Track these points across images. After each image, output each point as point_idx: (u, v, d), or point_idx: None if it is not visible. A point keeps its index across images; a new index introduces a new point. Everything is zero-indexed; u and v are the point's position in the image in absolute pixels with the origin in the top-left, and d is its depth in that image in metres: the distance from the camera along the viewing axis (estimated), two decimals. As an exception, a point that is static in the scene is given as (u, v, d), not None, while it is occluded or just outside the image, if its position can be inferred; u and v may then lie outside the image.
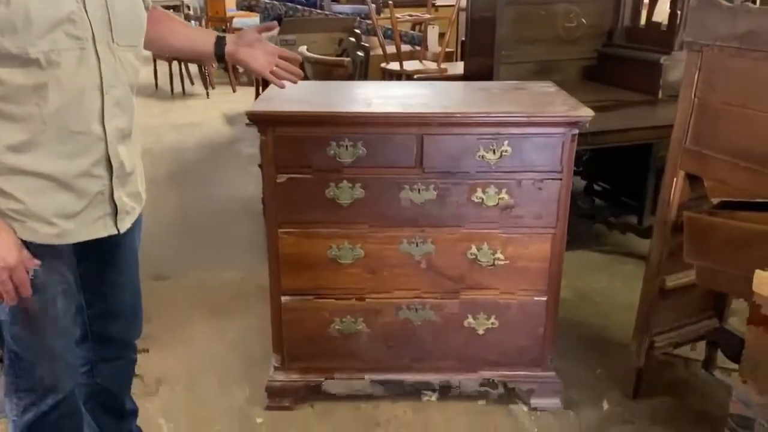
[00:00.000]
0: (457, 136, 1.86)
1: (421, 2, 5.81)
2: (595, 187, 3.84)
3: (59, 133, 1.22)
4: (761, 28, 1.62)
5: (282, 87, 1.70)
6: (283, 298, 2.03)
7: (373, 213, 1.93)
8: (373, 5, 5.17)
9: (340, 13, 6.32)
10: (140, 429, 1.83)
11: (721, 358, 2.31)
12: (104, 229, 1.36)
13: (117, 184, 1.35)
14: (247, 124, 5.55)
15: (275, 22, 1.84)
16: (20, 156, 1.21)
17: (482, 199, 1.90)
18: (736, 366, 2.21)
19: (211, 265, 3.18)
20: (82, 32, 1.20)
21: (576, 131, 1.85)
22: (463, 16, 4.33)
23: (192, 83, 7.34)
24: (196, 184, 4.35)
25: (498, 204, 1.90)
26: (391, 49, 4.69)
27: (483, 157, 1.86)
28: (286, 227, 1.95)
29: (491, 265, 1.97)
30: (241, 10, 6.54)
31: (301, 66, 3.33)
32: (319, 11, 6.30)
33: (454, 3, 4.90)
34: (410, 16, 5.74)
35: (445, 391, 2.20)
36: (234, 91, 7.18)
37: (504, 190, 1.90)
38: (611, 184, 3.78)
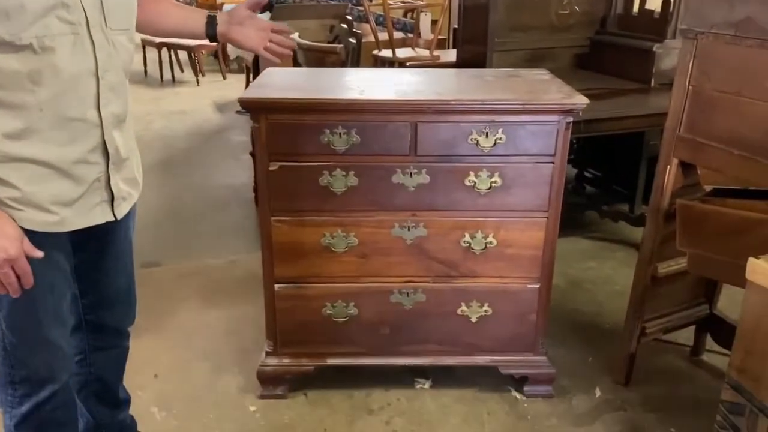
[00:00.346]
0: (452, 124, 1.85)
1: (413, -11, 5.78)
2: (587, 174, 3.85)
3: (55, 119, 1.21)
4: (757, 15, 1.62)
5: (278, 62, 1.67)
6: (277, 286, 2.02)
7: (367, 200, 1.93)
8: (365, -9, 5.13)
9: (332, 0, 6.27)
10: (133, 418, 1.82)
11: (709, 343, 2.34)
12: (102, 216, 1.35)
13: (113, 170, 1.34)
14: (237, 112, 5.53)
15: None
16: (17, 143, 1.19)
17: (474, 183, 1.90)
18: (724, 351, 2.23)
19: (202, 253, 3.17)
20: (75, 17, 1.19)
21: (571, 119, 1.85)
22: (455, 2, 4.30)
23: (182, 70, 7.28)
24: (187, 171, 4.33)
25: (491, 188, 1.90)
26: (383, 36, 4.67)
27: (477, 143, 1.86)
28: (279, 215, 1.94)
29: (483, 250, 1.97)
30: (232, -5, 6.49)
31: (293, 53, 3.31)
32: (310, -3, 6.26)
33: (446, -10, 4.88)
34: (402, 2, 5.72)
35: (439, 379, 2.21)
36: (224, 78, 7.13)
37: (497, 174, 1.89)
38: (603, 172, 3.79)
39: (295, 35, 3.37)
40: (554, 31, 3.31)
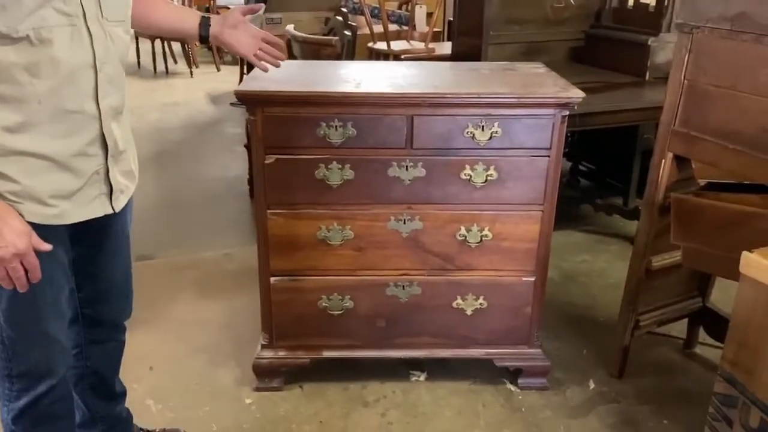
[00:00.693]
0: (448, 117, 1.85)
1: (408, -19, 5.76)
2: (581, 167, 3.86)
3: (54, 112, 1.21)
4: (752, 10, 1.63)
5: (265, 70, 1.70)
6: (272, 280, 2.02)
7: (363, 193, 1.93)
8: (360, -16, 5.11)
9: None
10: (129, 410, 1.83)
11: (702, 336, 2.35)
12: (101, 209, 1.35)
13: (112, 162, 1.34)
14: (231, 104, 5.50)
15: (261, 4, 1.82)
16: (16, 137, 1.19)
17: (470, 176, 1.90)
18: (717, 344, 2.25)
19: (196, 245, 3.16)
20: (71, 8, 1.19)
21: (566, 112, 1.86)
22: (450, -5, 4.29)
23: (175, 62, 7.23)
24: (180, 164, 4.31)
25: (486, 181, 1.91)
26: (378, 28, 4.65)
27: (473, 136, 1.86)
28: (274, 208, 1.94)
29: (479, 243, 1.97)
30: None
31: (289, 45, 3.30)
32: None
33: (441, -18, 4.86)
34: (397, -5, 5.70)
35: (434, 372, 2.22)
36: (218, 70, 7.09)
37: (492, 167, 1.90)
38: (597, 166, 3.81)
39: (290, 27, 3.36)
40: (549, 25, 3.32)
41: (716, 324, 2.25)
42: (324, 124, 1.84)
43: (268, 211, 1.94)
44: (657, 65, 3.03)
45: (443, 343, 2.13)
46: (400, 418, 2.05)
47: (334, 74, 2.18)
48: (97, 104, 1.27)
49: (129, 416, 1.82)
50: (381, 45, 4.54)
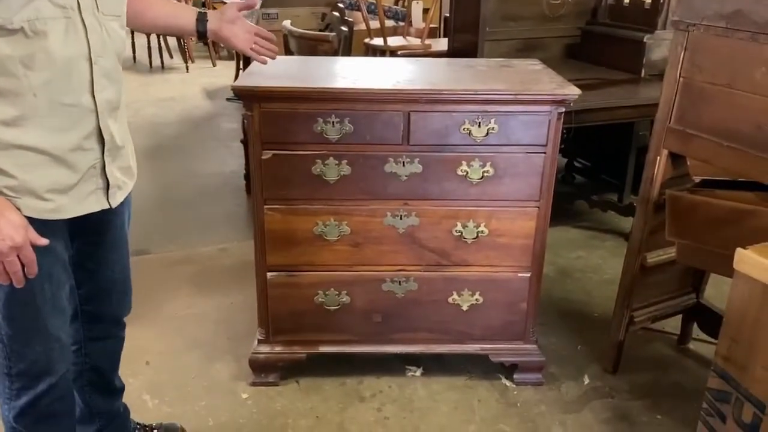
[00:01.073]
0: (445, 114, 1.86)
1: (404, -23, 5.75)
2: (576, 164, 3.87)
3: (50, 105, 1.21)
4: (748, 8, 1.63)
5: (264, 63, 1.73)
6: (269, 275, 2.02)
7: (359, 189, 1.93)
8: (356, -21, 5.11)
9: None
10: (126, 406, 1.83)
11: (696, 332, 2.37)
12: (97, 204, 1.35)
13: (109, 158, 1.34)
14: (228, 99, 5.49)
15: (256, 0, 1.82)
16: (12, 130, 1.19)
17: (467, 172, 1.91)
18: (711, 339, 2.26)
19: (193, 240, 3.16)
20: (66, 0, 1.19)
21: (563, 109, 1.86)
22: (447, -9, 4.29)
23: (171, 57, 7.22)
24: (177, 159, 4.31)
25: (483, 177, 1.91)
26: (374, 24, 4.65)
27: (470, 133, 1.86)
28: (271, 204, 1.94)
29: (475, 239, 1.98)
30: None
31: (285, 41, 3.30)
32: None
33: (437, -22, 4.86)
34: (393, -10, 5.69)
35: (430, 367, 2.23)
36: (214, 65, 7.08)
37: (489, 164, 1.90)
38: (592, 162, 3.82)
39: (287, 23, 3.35)
40: (545, 21, 3.32)
41: (710, 320, 2.26)
42: (321, 120, 1.85)
43: (265, 206, 1.94)
44: (653, 62, 3.04)
45: (439, 338, 2.14)
46: (396, 412, 2.06)
47: (331, 70, 2.18)
48: (93, 98, 1.27)
49: (126, 411, 1.82)
50: (377, 41, 4.53)
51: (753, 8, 1.63)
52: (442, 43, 4.29)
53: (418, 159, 1.90)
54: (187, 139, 4.72)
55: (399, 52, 4.35)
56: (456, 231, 1.98)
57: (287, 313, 2.08)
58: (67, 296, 1.40)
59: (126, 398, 1.83)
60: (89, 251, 1.47)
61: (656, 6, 3.07)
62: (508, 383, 2.18)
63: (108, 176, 1.35)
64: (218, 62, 7.15)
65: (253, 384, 2.15)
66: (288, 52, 3.34)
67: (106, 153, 1.33)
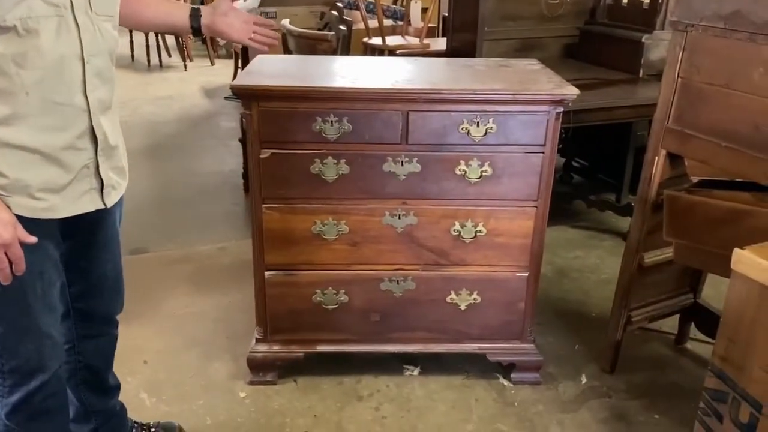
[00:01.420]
0: (444, 113, 1.86)
1: (403, -24, 5.75)
2: (574, 164, 3.88)
3: (42, 104, 1.21)
4: (746, 8, 1.64)
5: (265, 51, 1.71)
6: (267, 274, 2.02)
7: (358, 188, 1.93)
8: (355, -22, 5.10)
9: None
10: (123, 404, 1.83)
11: (693, 332, 2.37)
12: (91, 204, 1.35)
13: (102, 157, 1.34)
14: (226, 98, 5.49)
15: None
16: (3, 129, 1.19)
17: (465, 172, 1.91)
18: (708, 339, 2.27)
19: (191, 239, 3.16)
20: None
21: (561, 109, 1.87)
22: (445, -9, 4.29)
23: (169, 55, 7.21)
24: (175, 157, 4.30)
25: (481, 177, 1.92)
26: (373, 23, 4.65)
27: (468, 132, 1.87)
28: (270, 203, 1.94)
29: (473, 238, 1.98)
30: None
31: (284, 40, 3.29)
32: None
33: (436, -23, 4.86)
34: (392, -10, 5.69)
35: (427, 366, 2.23)
36: (212, 63, 7.07)
37: (487, 163, 1.91)
38: (590, 162, 3.82)
39: (286, 21, 3.35)
40: (544, 21, 3.32)
41: (707, 320, 2.27)
42: (320, 119, 1.85)
43: (264, 205, 1.94)
44: (651, 62, 3.04)
45: (437, 337, 2.14)
46: (394, 412, 2.06)
47: (330, 69, 2.18)
48: (86, 97, 1.27)
49: (123, 410, 1.82)
50: (376, 40, 4.53)
51: (751, 9, 1.63)
52: (440, 43, 4.30)
53: (416, 158, 1.90)
54: (185, 137, 4.71)
55: (397, 52, 4.35)
56: (454, 230, 1.98)
57: (285, 312, 2.08)
58: (59, 294, 1.40)
59: (123, 397, 1.82)
60: (81, 249, 1.47)
61: (654, 6, 3.08)
62: (505, 383, 2.19)
63: (102, 176, 1.35)
64: (217, 61, 7.14)
65: (251, 383, 2.15)
66: (287, 51, 3.33)
67: (99, 153, 1.33)
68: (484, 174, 1.92)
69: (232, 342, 2.35)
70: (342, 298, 2.06)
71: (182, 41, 6.93)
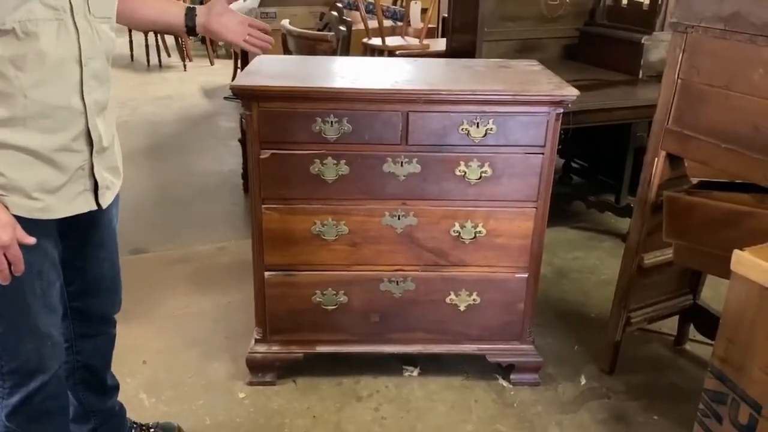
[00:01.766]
0: (443, 114, 1.86)
1: (403, -23, 5.75)
2: (573, 165, 3.88)
3: (41, 106, 1.21)
4: (746, 10, 1.64)
5: (258, 53, 1.72)
6: (267, 274, 2.02)
7: (358, 188, 1.93)
8: (355, -21, 5.10)
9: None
10: (122, 404, 1.83)
11: (692, 333, 2.37)
12: (86, 205, 1.35)
13: (97, 158, 1.34)
14: (225, 98, 5.49)
15: None
16: (1, 131, 1.19)
17: (465, 173, 1.91)
18: (707, 341, 2.27)
19: (191, 239, 3.16)
20: (58, 2, 1.19)
21: (561, 110, 1.87)
22: (445, -9, 4.29)
23: (168, 55, 7.20)
24: (174, 158, 4.30)
25: (481, 178, 1.92)
26: (373, 24, 4.65)
27: (468, 133, 1.87)
28: (269, 203, 1.94)
29: (473, 239, 1.98)
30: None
31: (284, 40, 3.29)
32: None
33: (436, -22, 4.86)
34: (392, -10, 5.69)
35: (427, 367, 2.23)
36: (212, 63, 7.07)
37: (487, 164, 1.91)
38: (589, 163, 3.82)
39: (285, 22, 3.35)
40: (544, 22, 3.33)
41: (707, 321, 2.27)
42: (319, 120, 1.85)
43: (263, 205, 1.94)
44: (650, 63, 3.04)
45: (436, 338, 2.14)
46: (393, 412, 2.06)
47: (330, 70, 2.18)
48: (83, 99, 1.27)
49: (122, 410, 1.82)
50: (376, 41, 4.53)
51: (751, 10, 1.63)
52: (440, 44, 4.30)
53: (416, 159, 1.90)
54: (185, 137, 4.71)
55: (397, 52, 4.35)
56: (454, 231, 1.98)
57: (285, 313, 2.08)
58: (58, 294, 1.40)
59: (122, 397, 1.82)
60: (78, 249, 1.46)
61: (654, 7, 3.08)
62: (505, 383, 2.19)
63: (96, 177, 1.35)
64: (216, 61, 7.14)
65: (251, 383, 2.15)
66: (286, 51, 3.33)
67: (94, 154, 1.33)
68: (483, 175, 1.92)
69: (232, 342, 2.35)
70: (341, 299, 2.06)
71: (182, 41, 6.92)
